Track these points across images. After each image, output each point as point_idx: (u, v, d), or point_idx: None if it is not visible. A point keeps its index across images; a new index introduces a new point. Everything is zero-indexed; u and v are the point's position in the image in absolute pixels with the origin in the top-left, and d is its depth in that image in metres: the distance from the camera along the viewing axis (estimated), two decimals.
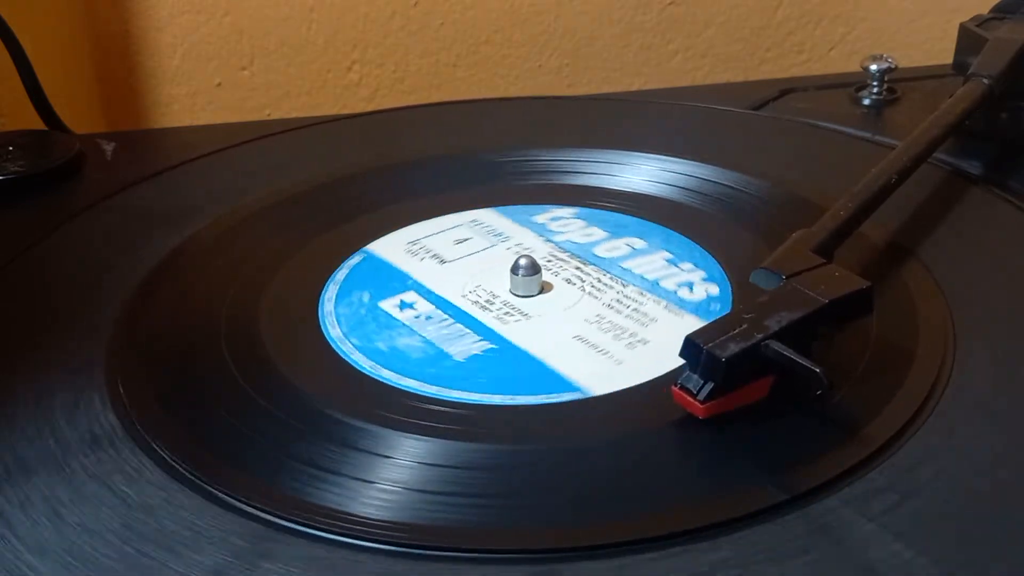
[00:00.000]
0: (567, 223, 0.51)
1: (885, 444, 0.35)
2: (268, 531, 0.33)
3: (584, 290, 0.46)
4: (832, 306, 0.37)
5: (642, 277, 0.47)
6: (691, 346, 0.36)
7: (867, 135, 0.59)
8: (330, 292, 0.47)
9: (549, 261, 0.48)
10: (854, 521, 0.32)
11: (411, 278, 0.47)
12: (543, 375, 0.40)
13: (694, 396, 0.36)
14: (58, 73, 0.71)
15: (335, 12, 0.80)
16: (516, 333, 0.43)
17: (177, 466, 0.36)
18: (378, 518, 0.33)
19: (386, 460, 0.36)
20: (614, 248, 0.49)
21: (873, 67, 0.63)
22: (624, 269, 0.47)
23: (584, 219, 0.52)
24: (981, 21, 0.60)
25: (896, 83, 0.64)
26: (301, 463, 0.36)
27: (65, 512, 0.34)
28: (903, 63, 0.65)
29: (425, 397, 0.39)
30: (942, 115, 0.51)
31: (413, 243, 0.50)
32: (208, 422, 0.39)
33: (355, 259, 0.49)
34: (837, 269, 0.40)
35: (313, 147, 0.61)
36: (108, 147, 0.62)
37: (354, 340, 0.43)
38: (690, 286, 0.46)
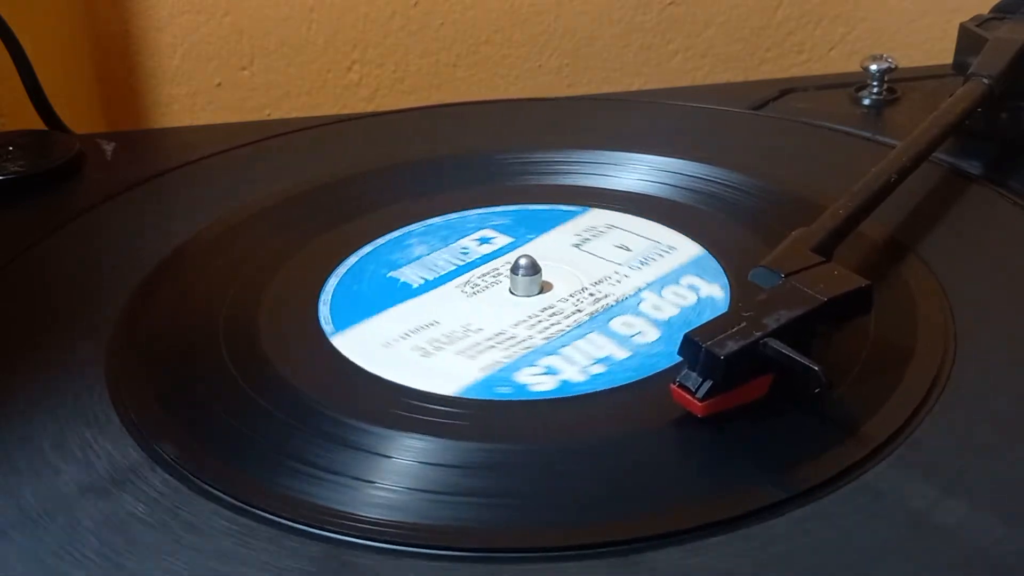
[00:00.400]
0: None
1: (884, 442, 0.35)
2: (268, 531, 0.33)
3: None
4: (831, 304, 0.37)
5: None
6: (690, 344, 0.36)
7: (867, 135, 0.59)
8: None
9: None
10: (853, 520, 0.32)
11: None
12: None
13: (693, 394, 0.36)
14: (58, 73, 0.71)
15: (335, 12, 0.80)
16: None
17: (177, 466, 0.36)
18: (378, 518, 0.33)
19: (386, 460, 0.36)
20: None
21: (873, 67, 0.63)
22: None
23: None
24: (981, 21, 0.60)
25: (896, 83, 0.64)
26: (301, 463, 0.36)
27: (65, 511, 0.34)
28: (903, 63, 0.65)
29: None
30: (942, 115, 0.51)
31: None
32: (208, 422, 0.39)
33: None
34: (836, 267, 0.40)
35: (313, 147, 0.61)
36: (108, 147, 0.62)
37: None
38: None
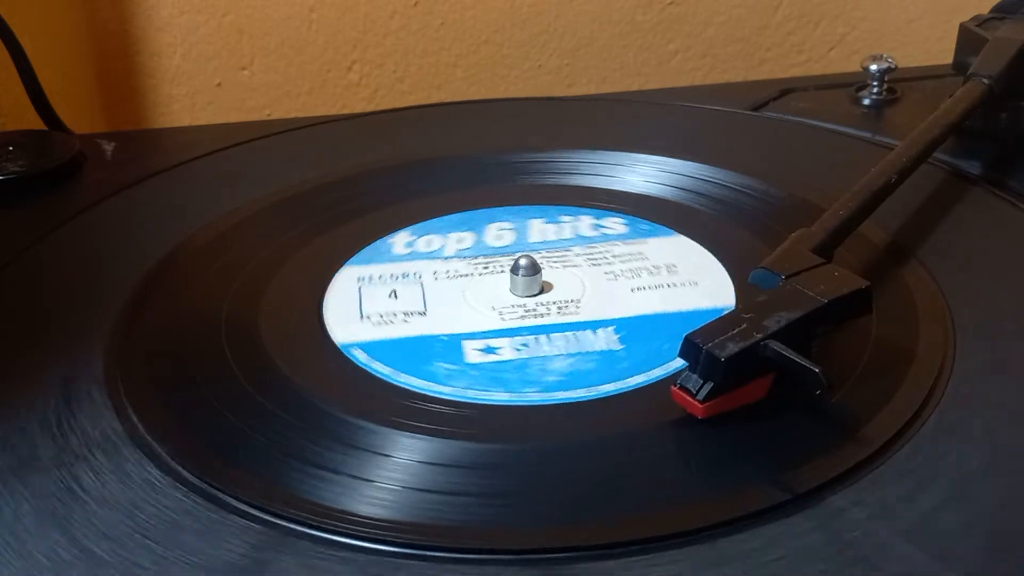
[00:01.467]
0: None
1: (885, 444, 0.35)
2: (268, 530, 0.33)
3: (582, 268, 0.47)
4: (831, 306, 0.37)
5: (582, 236, 0.50)
6: (690, 346, 0.36)
7: (867, 135, 0.59)
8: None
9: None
10: (854, 520, 0.32)
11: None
12: (677, 320, 0.43)
13: (693, 396, 0.36)
14: (58, 73, 0.71)
15: (335, 12, 0.80)
16: (597, 312, 0.44)
17: (177, 465, 0.36)
18: (378, 518, 0.33)
19: (386, 460, 0.36)
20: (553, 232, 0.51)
21: (873, 67, 0.63)
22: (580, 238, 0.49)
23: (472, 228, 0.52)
24: (981, 21, 0.60)
25: (896, 83, 0.64)
26: (301, 462, 0.36)
27: (64, 511, 0.34)
28: (903, 63, 0.65)
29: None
30: (942, 115, 0.51)
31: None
32: (208, 421, 0.39)
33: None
34: (836, 269, 0.40)
35: (313, 147, 0.61)
36: (108, 147, 0.62)
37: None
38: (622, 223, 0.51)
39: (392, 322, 0.44)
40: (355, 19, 0.80)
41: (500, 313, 0.44)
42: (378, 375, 0.41)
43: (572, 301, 0.45)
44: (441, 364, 0.41)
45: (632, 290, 0.45)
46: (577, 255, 0.48)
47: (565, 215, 0.52)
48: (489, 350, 0.42)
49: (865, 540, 0.32)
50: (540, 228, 0.51)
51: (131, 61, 0.79)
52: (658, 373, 0.40)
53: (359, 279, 0.48)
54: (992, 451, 0.35)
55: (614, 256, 0.48)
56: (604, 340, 0.42)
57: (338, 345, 0.43)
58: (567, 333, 0.43)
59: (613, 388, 0.39)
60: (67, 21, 0.76)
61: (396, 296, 0.46)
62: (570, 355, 0.41)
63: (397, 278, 0.48)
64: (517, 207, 0.53)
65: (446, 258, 0.49)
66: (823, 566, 0.31)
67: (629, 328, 0.43)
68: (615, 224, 0.51)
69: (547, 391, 0.39)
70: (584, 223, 0.51)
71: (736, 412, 0.36)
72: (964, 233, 0.48)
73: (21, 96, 0.64)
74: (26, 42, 0.63)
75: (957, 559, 0.31)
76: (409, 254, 0.49)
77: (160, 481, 0.35)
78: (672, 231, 0.50)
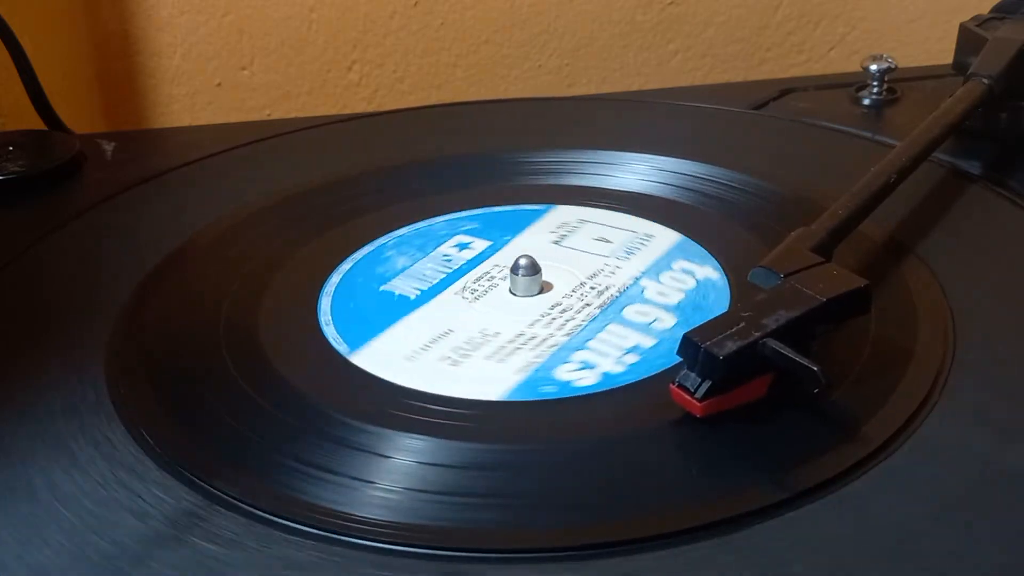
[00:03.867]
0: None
1: (884, 443, 0.35)
2: (268, 531, 0.33)
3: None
4: (830, 305, 0.37)
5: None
6: (689, 344, 0.36)
7: (867, 135, 0.59)
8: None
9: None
10: (853, 520, 0.32)
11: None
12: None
13: (692, 394, 0.36)
14: (58, 73, 0.71)
15: (335, 12, 0.80)
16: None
17: (177, 466, 0.36)
18: (378, 518, 0.33)
19: (386, 460, 0.36)
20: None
21: (873, 67, 0.63)
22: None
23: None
24: (981, 21, 0.60)
25: (896, 83, 0.64)
26: (301, 463, 0.36)
27: (64, 511, 0.34)
28: (903, 63, 0.65)
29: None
30: (942, 115, 0.51)
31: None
32: (207, 422, 0.39)
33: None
34: (835, 268, 0.40)
35: (313, 147, 0.61)
36: (108, 147, 0.62)
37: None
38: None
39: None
40: (355, 19, 0.80)
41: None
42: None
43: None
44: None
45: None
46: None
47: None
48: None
49: (864, 539, 0.32)
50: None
51: (131, 61, 0.79)
52: None
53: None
54: (992, 451, 0.35)
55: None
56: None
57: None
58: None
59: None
60: (67, 21, 0.76)
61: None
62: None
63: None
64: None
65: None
66: (821, 566, 0.31)
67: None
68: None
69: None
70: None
71: (735, 411, 0.36)
72: (964, 232, 0.48)
73: (21, 96, 0.64)
74: (26, 42, 0.63)
75: (956, 559, 0.31)
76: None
77: (160, 481, 0.35)
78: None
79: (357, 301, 0.46)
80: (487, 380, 0.40)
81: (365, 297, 0.46)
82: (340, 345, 0.43)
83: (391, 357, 0.42)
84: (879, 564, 0.31)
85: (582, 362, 0.41)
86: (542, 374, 0.40)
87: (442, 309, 0.45)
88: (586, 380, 0.40)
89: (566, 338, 0.42)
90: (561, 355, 0.41)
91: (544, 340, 0.42)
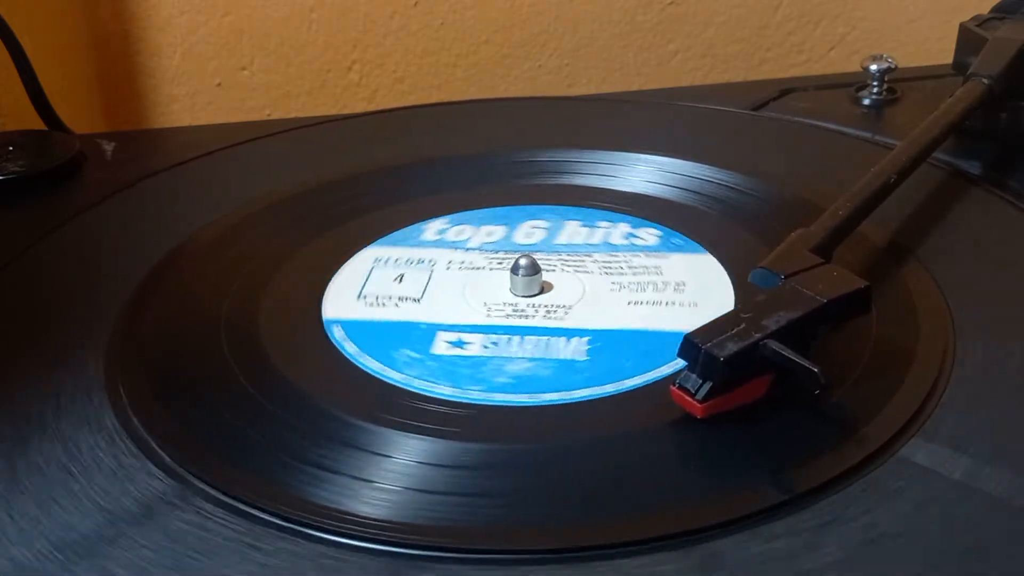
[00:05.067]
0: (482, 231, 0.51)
1: (885, 444, 0.35)
2: (268, 530, 0.33)
3: (592, 275, 0.47)
4: (830, 306, 0.37)
5: (609, 244, 0.49)
6: (689, 346, 0.36)
7: (867, 135, 0.59)
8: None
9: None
10: (853, 520, 0.32)
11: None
12: (653, 339, 0.42)
13: (692, 396, 0.36)
14: (58, 73, 0.71)
15: (335, 12, 0.80)
16: (581, 321, 0.44)
17: (177, 465, 0.36)
18: (378, 518, 0.33)
19: (386, 460, 0.36)
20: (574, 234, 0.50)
21: (873, 67, 0.63)
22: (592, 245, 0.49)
23: (497, 222, 0.52)
24: (981, 21, 0.60)
25: (896, 83, 0.64)
26: (301, 462, 0.36)
27: (65, 511, 0.34)
28: (903, 63, 0.65)
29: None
30: (942, 115, 0.51)
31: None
32: (208, 421, 0.39)
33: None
34: (835, 269, 0.40)
35: (313, 147, 0.61)
36: (108, 147, 0.62)
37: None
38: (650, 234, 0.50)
39: (384, 305, 0.45)
40: (355, 19, 0.80)
41: (489, 309, 0.45)
42: (346, 354, 0.42)
43: (563, 307, 0.45)
44: (405, 351, 0.42)
45: (629, 303, 0.45)
46: (594, 262, 0.48)
47: (603, 220, 0.51)
48: (458, 343, 0.42)
49: (863, 539, 0.32)
50: (573, 230, 0.51)
51: (131, 61, 0.79)
52: (608, 389, 0.39)
53: (376, 260, 0.49)
54: (992, 451, 0.35)
55: (629, 267, 0.47)
56: (572, 349, 0.42)
57: (323, 321, 0.44)
58: (541, 337, 0.43)
59: (556, 398, 0.39)
60: (67, 21, 0.76)
61: (401, 280, 0.47)
62: (531, 359, 0.41)
63: (412, 263, 0.48)
64: (556, 206, 0.53)
65: (467, 249, 0.49)
66: (821, 566, 0.31)
67: (604, 341, 0.42)
68: (648, 235, 0.50)
69: (489, 391, 0.39)
70: (618, 231, 0.50)
71: (735, 412, 0.36)
72: (964, 233, 0.48)
73: (21, 96, 0.64)
74: (26, 42, 0.63)
75: (956, 559, 0.31)
76: (436, 241, 0.50)
77: (160, 481, 0.35)
78: (703, 249, 0.48)
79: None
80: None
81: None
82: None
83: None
84: (879, 564, 0.31)
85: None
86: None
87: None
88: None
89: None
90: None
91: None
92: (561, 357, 0.41)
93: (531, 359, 0.41)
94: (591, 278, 0.47)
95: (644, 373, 0.40)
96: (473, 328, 0.43)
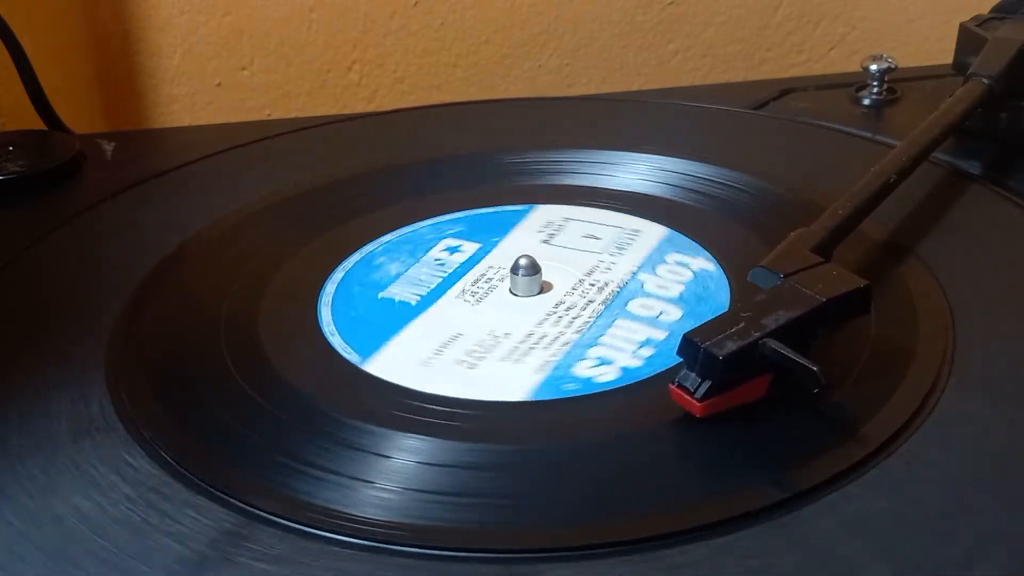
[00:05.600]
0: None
1: (884, 443, 0.35)
2: (268, 530, 0.33)
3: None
4: (830, 305, 0.37)
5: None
6: (689, 344, 0.36)
7: (867, 135, 0.59)
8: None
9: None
10: (853, 520, 0.32)
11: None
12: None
13: (692, 394, 0.36)
14: (58, 73, 0.71)
15: (335, 12, 0.80)
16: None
17: (176, 466, 0.36)
18: (378, 518, 0.33)
19: (386, 460, 0.36)
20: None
21: (873, 67, 0.63)
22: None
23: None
24: (981, 21, 0.60)
25: (896, 83, 0.64)
26: (301, 463, 0.36)
27: (65, 510, 0.34)
28: (903, 63, 0.65)
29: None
30: (942, 115, 0.51)
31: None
32: (207, 422, 0.39)
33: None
34: (835, 268, 0.40)
35: (313, 147, 0.61)
36: (108, 147, 0.62)
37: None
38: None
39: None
40: (355, 19, 0.80)
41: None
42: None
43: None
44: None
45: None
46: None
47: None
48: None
49: (863, 539, 0.32)
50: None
51: (131, 61, 0.79)
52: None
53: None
54: (991, 451, 0.35)
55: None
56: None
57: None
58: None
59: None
60: (67, 21, 0.76)
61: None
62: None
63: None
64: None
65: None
66: (821, 565, 0.31)
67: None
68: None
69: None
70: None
71: (734, 411, 0.36)
72: (964, 233, 0.48)
73: (21, 96, 0.64)
74: (26, 42, 0.63)
75: (955, 559, 0.31)
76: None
77: (160, 480, 0.35)
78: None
79: (358, 309, 0.46)
80: (507, 380, 0.40)
81: (365, 305, 0.46)
82: (350, 355, 0.42)
83: (405, 363, 0.42)
84: (879, 564, 0.31)
85: (599, 358, 0.41)
86: (561, 372, 0.40)
87: (446, 313, 0.45)
88: (607, 376, 0.40)
89: (577, 335, 0.42)
90: (576, 352, 0.41)
91: (556, 338, 0.42)
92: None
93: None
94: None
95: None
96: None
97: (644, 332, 0.42)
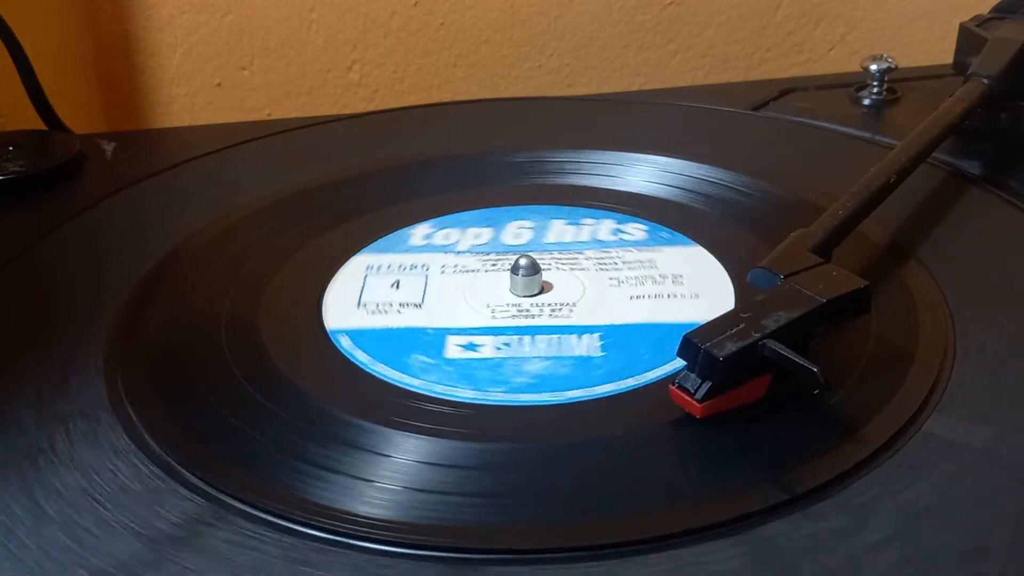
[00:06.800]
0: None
1: (884, 444, 0.35)
2: (268, 530, 0.33)
3: (588, 272, 0.47)
4: (830, 305, 0.37)
5: (598, 240, 0.49)
6: (689, 345, 0.36)
7: (867, 135, 0.59)
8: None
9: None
10: (852, 520, 0.32)
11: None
12: (663, 331, 0.42)
13: (692, 395, 0.36)
14: (58, 73, 0.71)
15: (335, 12, 0.80)
16: (588, 317, 0.44)
17: (176, 465, 0.36)
18: (378, 518, 0.33)
19: (386, 460, 0.36)
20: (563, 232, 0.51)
21: (873, 67, 0.63)
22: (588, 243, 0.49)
23: (483, 223, 0.52)
24: (981, 21, 0.60)
25: (896, 83, 0.64)
26: (301, 462, 0.36)
27: (64, 510, 0.34)
28: (903, 63, 0.65)
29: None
30: (942, 115, 0.51)
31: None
32: (208, 421, 0.39)
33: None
34: (835, 268, 0.40)
35: (313, 147, 0.61)
36: (108, 147, 0.62)
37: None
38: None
39: (386, 312, 0.45)
40: (355, 19, 0.80)
41: (493, 311, 0.45)
42: (358, 363, 0.41)
43: (567, 304, 0.45)
44: (419, 357, 0.42)
45: (631, 298, 0.45)
46: (587, 259, 0.48)
47: (588, 218, 0.52)
48: (471, 347, 0.42)
49: (862, 539, 0.32)
50: (560, 229, 0.51)
51: (131, 61, 0.79)
52: (630, 383, 0.40)
53: (368, 267, 0.48)
54: (991, 451, 0.35)
55: (624, 262, 0.48)
56: (586, 346, 0.42)
57: (327, 330, 0.44)
58: (552, 336, 0.43)
59: (579, 395, 0.39)
60: (67, 21, 0.76)
61: (398, 287, 0.46)
62: (547, 358, 0.41)
63: (405, 269, 0.48)
64: (540, 206, 0.53)
65: (458, 252, 0.49)
66: (821, 566, 0.31)
67: (615, 336, 0.42)
68: (635, 230, 0.50)
69: (512, 392, 0.39)
70: (604, 227, 0.51)
71: (734, 412, 0.36)
72: (964, 233, 0.48)
73: (21, 96, 0.64)
74: (26, 42, 0.63)
75: (955, 559, 0.31)
76: (424, 246, 0.50)
77: (160, 481, 0.35)
78: (691, 241, 0.49)
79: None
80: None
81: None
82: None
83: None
84: (879, 564, 0.31)
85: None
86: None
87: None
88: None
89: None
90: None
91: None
92: (576, 354, 0.41)
93: (547, 358, 0.41)
94: (588, 275, 0.47)
95: (662, 365, 0.40)
96: (482, 331, 0.43)
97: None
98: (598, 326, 0.43)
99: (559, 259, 0.48)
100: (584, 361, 0.41)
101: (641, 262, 0.48)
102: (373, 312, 0.45)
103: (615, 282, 0.46)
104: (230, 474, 0.36)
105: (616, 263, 0.48)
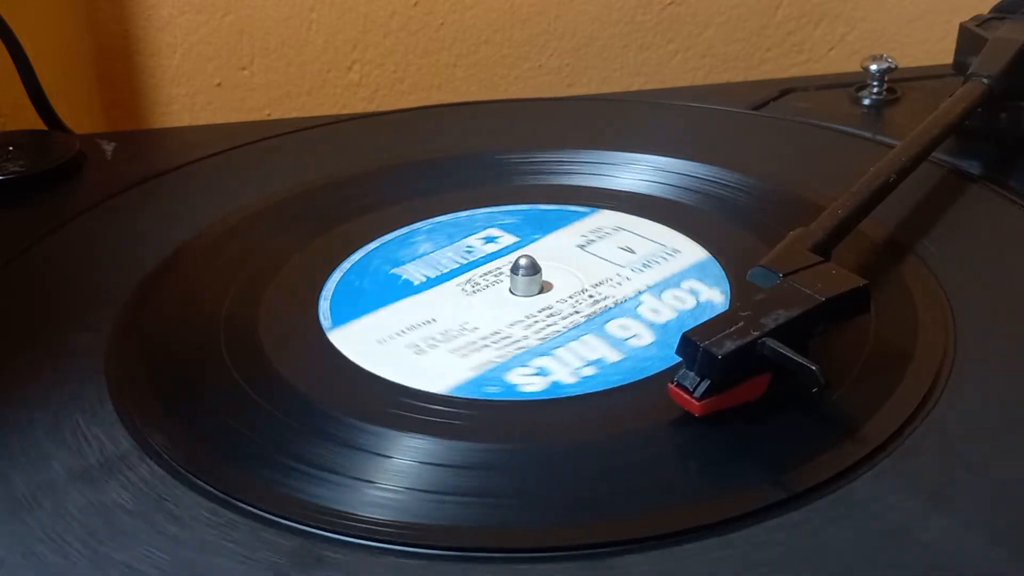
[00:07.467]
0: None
1: (884, 443, 0.35)
2: (268, 531, 0.33)
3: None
4: (829, 304, 0.37)
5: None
6: (688, 343, 0.36)
7: (867, 135, 0.59)
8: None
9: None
10: (853, 520, 0.32)
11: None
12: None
13: (691, 394, 0.36)
14: (58, 73, 0.71)
15: (335, 12, 0.80)
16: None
17: (176, 466, 0.36)
18: (378, 518, 0.33)
19: (386, 460, 0.36)
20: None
21: (873, 67, 0.63)
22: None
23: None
24: (981, 21, 0.60)
25: (896, 83, 0.64)
26: (301, 463, 0.36)
27: (64, 510, 0.34)
28: (903, 63, 0.65)
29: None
30: (942, 115, 0.51)
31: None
32: (208, 422, 0.39)
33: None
34: (834, 267, 0.40)
35: (313, 147, 0.61)
36: (108, 147, 0.62)
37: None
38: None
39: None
40: (355, 19, 0.80)
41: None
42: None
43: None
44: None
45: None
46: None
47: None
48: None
49: (862, 539, 0.32)
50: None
51: (131, 61, 0.79)
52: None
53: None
54: (991, 451, 0.35)
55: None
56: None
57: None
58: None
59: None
60: (67, 21, 0.76)
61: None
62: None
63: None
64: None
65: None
66: (818, 567, 0.31)
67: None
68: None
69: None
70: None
71: (733, 410, 0.36)
72: (964, 232, 0.48)
73: (21, 96, 0.64)
74: (26, 42, 0.63)
75: (957, 557, 0.31)
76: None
77: (159, 480, 0.35)
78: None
79: (364, 280, 0.47)
80: (439, 373, 0.40)
81: (374, 278, 0.47)
82: (326, 320, 0.43)
83: (366, 338, 0.43)
84: (878, 564, 0.31)
85: (538, 368, 0.41)
86: (494, 374, 0.40)
87: (437, 298, 0.46)
88: (533, 387, 0.40)
89: (538, 343, 0.42)
90: (523, 358, 0.41)
91: (515, 341, 0.42)
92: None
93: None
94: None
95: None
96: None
97: (601, 351, 0.41)
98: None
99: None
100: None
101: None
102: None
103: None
104: (229, 474, 0.36)
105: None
